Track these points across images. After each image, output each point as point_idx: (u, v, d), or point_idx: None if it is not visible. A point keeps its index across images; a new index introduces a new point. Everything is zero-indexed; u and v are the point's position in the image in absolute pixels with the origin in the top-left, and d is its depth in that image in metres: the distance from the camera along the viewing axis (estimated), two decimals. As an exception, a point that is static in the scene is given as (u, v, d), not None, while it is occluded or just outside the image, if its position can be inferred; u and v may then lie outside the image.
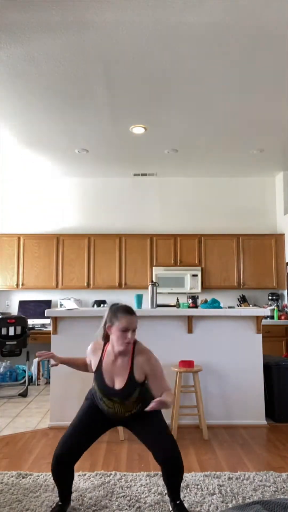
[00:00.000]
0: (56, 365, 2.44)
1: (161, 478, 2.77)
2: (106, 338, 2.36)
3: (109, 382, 2.30)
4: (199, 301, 4.69)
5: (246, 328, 4.05)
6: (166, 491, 2.56)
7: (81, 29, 3.06)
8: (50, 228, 6.66)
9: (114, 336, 2.25)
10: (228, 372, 4.00)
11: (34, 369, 5.83)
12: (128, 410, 2.30)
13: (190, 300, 4.44)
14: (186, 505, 2.40)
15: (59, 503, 2.33)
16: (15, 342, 5.16)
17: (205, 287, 6.22)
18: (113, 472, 2.84)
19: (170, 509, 2.28)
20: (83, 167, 6.22)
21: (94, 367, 2.36)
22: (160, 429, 2.27)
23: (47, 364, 5.87)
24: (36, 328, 6.03)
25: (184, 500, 2.46)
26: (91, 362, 2.41)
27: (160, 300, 6.33)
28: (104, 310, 2.38)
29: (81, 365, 2.52)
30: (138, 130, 4.87)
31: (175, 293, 6.30)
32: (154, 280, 6.13)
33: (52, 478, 2.74)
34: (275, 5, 2.82)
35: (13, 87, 3.89)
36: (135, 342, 2.34)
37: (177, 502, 2.27)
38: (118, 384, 2.28)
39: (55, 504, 2.36)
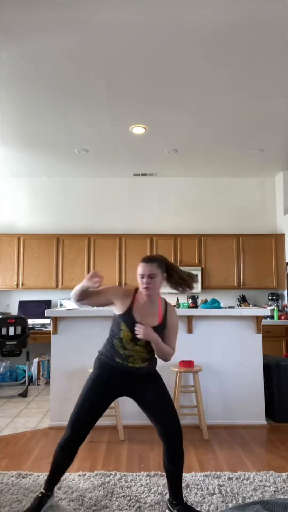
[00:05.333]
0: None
1: (161, 478, 2.77)
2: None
3: (140, 320, 2.33)
4: (199, 301, 4.70)
5: (246, 328, 4.05)
6: (166, 491, 2.56)
7: (81, 29, 3.06)
8: (50, 228, 6.66)
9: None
10: (228, 372, 4.00)
11: (34, 369, 5.83)
12: (143, 359, 2.34)
13: (190, 300, 4.44)
14: (186, 505, 2.40)
15: (42, 493, 2.34)
16: (15, 342, 5.16)
17: (205, 287, 6.22)
18: (113, 472, 2.84)
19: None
20: (83, 167, 6.22)
21: (121, 310, 2.35)
22: (168, 404, 2.33)
23: (47, 364, 5.87)
24: (36, 328, 6.03)
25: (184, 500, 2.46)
26: (112, 301, 2.40)
27: (160, 300, 6.32)
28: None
29: (101, 299, 2.43)
30: (138, 130, 4.87)
31: (175, 293, 6.29)
32: (154, 280, 6.12)
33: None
34: (275, 5, 2.82)
35: (13, 87, 3.89)
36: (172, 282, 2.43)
37: (177, 507, 2.27)
38: (151, 323, 2.33)
39: (37, 494, 2.37)
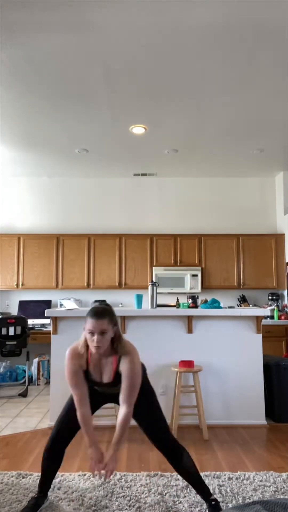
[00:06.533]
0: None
1: (161, 478, 2.77)
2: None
3: (96, 377, 2.32)
4: (199, 301, 4.70)
5: (246, 328, 4.05)
6: (166, 491, 2.56)
7: (81, 29, 3.06)
8: (50, 228, 6.66)
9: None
10: (228, 372, 4.00)
11: (34, 369, 5.83)
12: (117, 391, 2.32)
13: (190, 300, 4.44)
14: (186, 505, 2.40)
15: (36, 495, 2.37)
16: (15, 342, 5.16)
17: (205, 287, 6.22)
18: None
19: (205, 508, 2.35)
20: (83, 167, 6.22)
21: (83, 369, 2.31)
22: (155, 415, 2.33)
23: (47, 364, 5.87)
24: (36, 328, 6.03)
25: (184, 500, 2.46)
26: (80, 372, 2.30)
27: (160, 300, 6.33)
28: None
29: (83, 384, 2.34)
30: (138, 130, 4.87)
31: (175, 293, 6.30)
32: (154, 280, 6.13)
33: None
34: (275, 5, 2.82)
35: (13, 87, 3.89)
36: (119, 340, 2.27)
37: (212, 502, 2.30)
38: (106, 378, 2.30)
39: (31, 498, 2.38)
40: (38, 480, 2.72)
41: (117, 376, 2.27)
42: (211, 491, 2.57)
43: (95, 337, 2.16)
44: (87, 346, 2.28)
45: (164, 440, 2.30)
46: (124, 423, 2.18)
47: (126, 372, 2.22)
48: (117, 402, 2.37)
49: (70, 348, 2.34)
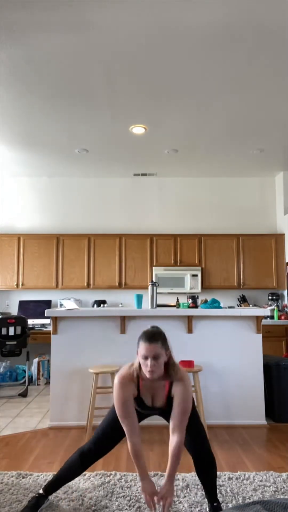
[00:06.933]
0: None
1: (161, 478, 2.77)
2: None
3: (148, 402, 2.28)
4: (199, 301, 4.70)
5: (246, 328, 4.05)
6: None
7: (81, 29, 3.06)
8: (50, 228, 6.66)
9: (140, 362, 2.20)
10: (228, 372, 4.00)
11: (34, 369, 5.83)
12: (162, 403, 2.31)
13: (190, 300, 4.44)
14: (186, 505, 2.40)
15: (38, 494, 2.35)
16: (15, 342, 5.16)
17: (205, 287, 6.22)
18: (113, 472, 2.84)
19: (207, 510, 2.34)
20: (83, 167, 6.22)
21: (134, 396, 2.24)
22: (196, 426, 2.30)
23: (47, 364, 5.87)
24: (36, 328, 6.02)
25: (184, 500, 2.46)
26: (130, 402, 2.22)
27: (160, 300, 6.33)
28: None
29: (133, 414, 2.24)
30: (138, 130, 4.87)
31: (175, 293, 6.30)
32: (154, 280, 6.13)
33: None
34: (275, 5, 2.82)
35: (13, 87, 3.89)
36: (172, 365, 2.23)
37: (214, 504, 2.30)
38: (158, 403, 2.27)
39: (31, 497, 2.37)
40: (38, 480, 2.72)
41: (169, 402, 2.24)
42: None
43: (149, 362, 2.12)
44: (138, 371, 2.23)
45: (205, 452, 2.28)
46: (178, 452, 2.12)
47: (180, 397, 2.17)
48: (160, 415, 2.37)
49: (119, 375, 2.25)
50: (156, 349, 2.11)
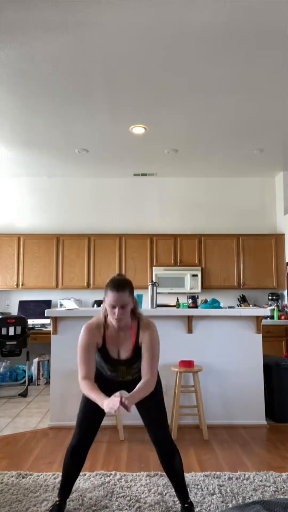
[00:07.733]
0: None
1: (161, 478, 2.77)
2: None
3: (114, 354, 2.26)
4: (199, 301, 4.70)
5: (246, 328, 4.05)
6: (166, 491, 2.56)
7: (81, 29, 3.06)
8: (50, 228, 6.66)
9: (107, 310, 2.19)
10: (228, 372, 4.00)
11: (34, 369, 5.83)
12: (132, 374, 2.29)
13: (190, 300, 4.44)
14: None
15: (58, 502, 2.33)
16: (15, 342, 5.16)
17: (205, 287, 6.22)
18: (113, 472, 2.84)
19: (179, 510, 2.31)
20: (83, 167, 6.22)
21: (99, 346, 2.24)
22: (159, 415, 2.28)
23: (47, 364, 5.87)
24: (36, 328, 6.02)
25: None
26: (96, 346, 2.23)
27: (160, 300, 6.33)
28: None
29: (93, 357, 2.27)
30: (138, 130, 4.87)
31: (175, 293, 6.30)
32: (154, 280, 6.13)
33: (52, 477, 2.75)
34: (275, 5, 2.82)
35: (13, 87, 3.89)
36: (139, 317, 2.25)
37: (186, 505, 2.28)
38: (125, 354, 2.25)
39: (53, 504, 2.35)
40: (38, 480, 2.72)
41: (136, 351, 2.23)
42: (211, 490, 2.57)
43: (116, 310, 2.12)
44: (104, 321, 2.23)
45: (164, 439, 2.27)
46: (146, 387, 2.10)
47: (148, 344, 2.18)
48: (130, 391, 2.34)
49: (87, 323, 2.26)
50: (124, 297, 2.11)
